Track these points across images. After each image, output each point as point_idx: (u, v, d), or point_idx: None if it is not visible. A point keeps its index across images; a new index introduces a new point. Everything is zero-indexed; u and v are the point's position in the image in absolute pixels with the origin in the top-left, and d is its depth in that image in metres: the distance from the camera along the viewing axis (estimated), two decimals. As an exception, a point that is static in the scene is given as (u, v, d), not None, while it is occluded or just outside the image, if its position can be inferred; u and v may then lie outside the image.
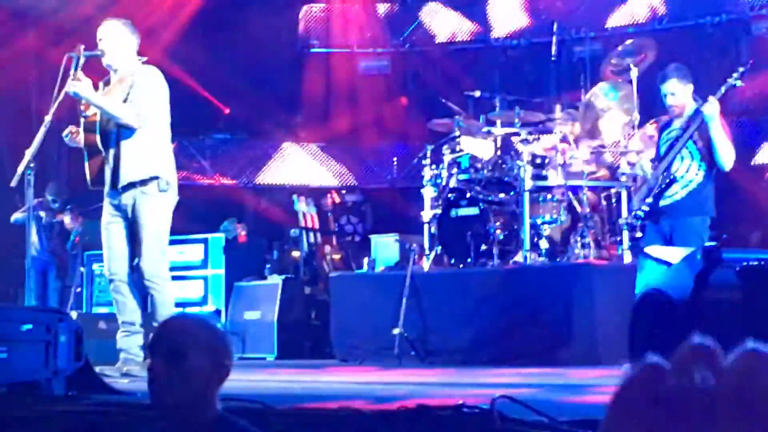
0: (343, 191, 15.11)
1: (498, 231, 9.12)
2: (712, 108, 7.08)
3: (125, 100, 6.89)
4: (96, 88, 6.98)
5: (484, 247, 9.14)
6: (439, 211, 9.59)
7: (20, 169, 6.64)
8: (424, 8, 15.70)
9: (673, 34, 13.12)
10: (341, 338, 9.69)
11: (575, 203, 9.40)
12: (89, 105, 6.90)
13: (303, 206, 12.92)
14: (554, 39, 11.05)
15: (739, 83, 7.23)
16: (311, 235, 12.91)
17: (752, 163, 12.48)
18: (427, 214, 9.79)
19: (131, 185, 6.88)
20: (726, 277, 2.91)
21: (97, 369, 5.57)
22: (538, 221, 9.24)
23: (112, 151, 6.92)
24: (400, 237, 11.00)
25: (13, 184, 6.72)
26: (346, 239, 14.13)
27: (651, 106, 9.25)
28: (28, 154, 6.64)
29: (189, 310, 11.10)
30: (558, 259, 9.17)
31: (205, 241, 11.89)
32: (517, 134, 9.69)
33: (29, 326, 4.68)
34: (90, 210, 11.57)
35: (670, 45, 10.74)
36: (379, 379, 7.20)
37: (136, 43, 7.12)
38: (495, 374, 7.27)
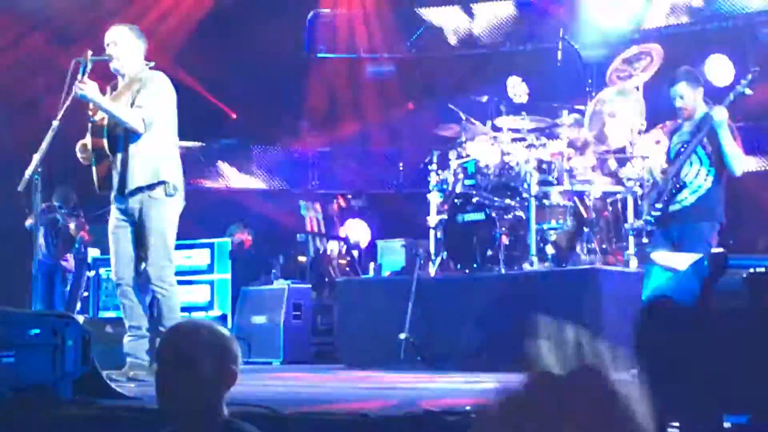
0: (349, 196, 15.11)
1: (504, 236, 9.11)
2: (720, 115, 7.08)
3: (132, 105, 6.90)
4: (103, 92, 6.99)
5: (490, 252, 9.13)
6: (445, 216, 9.58)
7: (27, 173, 6.64)
8: (430, 13, 15.71)
9: (680, 39, 13.10)
10: (347, 343, 9.68)
11: (581, 209, 9.39)
12: (97, 109, 6.91)
13: (309, 211, 12.93)
14: (560, 44, 11.04)
15: (747, 91, 7.22)
16: (317, 239, 12.93)
17: (758, 169, 12.48)
18: (433, 219, 9.80)
19: (138, 190, 6.89)
20: (732, 283, 2.90)
21: (104, 373, 5.57)
22: (545, 227, 9.23)
23: (119, 156, 6.93)
24: (406, 242, 11.00)
25: (21, 188, 6.71)
26: (352, 244, 14.13)
27: (657, 111, 9.24)
28: (36, 158, 6.65)
29: (195, 314, 11.12)
30: (564, 265, 9.16)
31: (211, 245, 11.90)
32: (523, 140, 9.68)
33: (36, 330, 4.69)
34: (96, 215, 11.60)
35: (676, 50, 10.71)
36: (385, 384, 7.20)
37: (143, 49, 7.14)
38: (501, 379, 7.25)
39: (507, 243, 9.13)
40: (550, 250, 9.24)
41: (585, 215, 9.30)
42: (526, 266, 9.01)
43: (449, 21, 15.60)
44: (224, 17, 15.08)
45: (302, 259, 12.83)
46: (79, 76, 6.76)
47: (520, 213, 9.26)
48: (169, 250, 7.01)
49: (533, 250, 8.98)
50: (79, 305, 12.15)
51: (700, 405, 2.86)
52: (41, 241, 11.85)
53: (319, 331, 11.34)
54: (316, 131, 16.11)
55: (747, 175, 7.32)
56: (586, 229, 9.18)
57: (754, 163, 12.42)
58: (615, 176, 9.46)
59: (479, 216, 9.28)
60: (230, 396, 3.17)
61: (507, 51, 14.95)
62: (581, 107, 9.93)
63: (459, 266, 9.46)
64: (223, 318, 11.34)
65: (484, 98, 10.34)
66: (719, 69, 10.59)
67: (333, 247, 13.27)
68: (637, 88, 9.21)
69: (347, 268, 12.79)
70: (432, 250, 9.76)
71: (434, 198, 9.86)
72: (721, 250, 5.24)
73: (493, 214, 9.19)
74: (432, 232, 9.79)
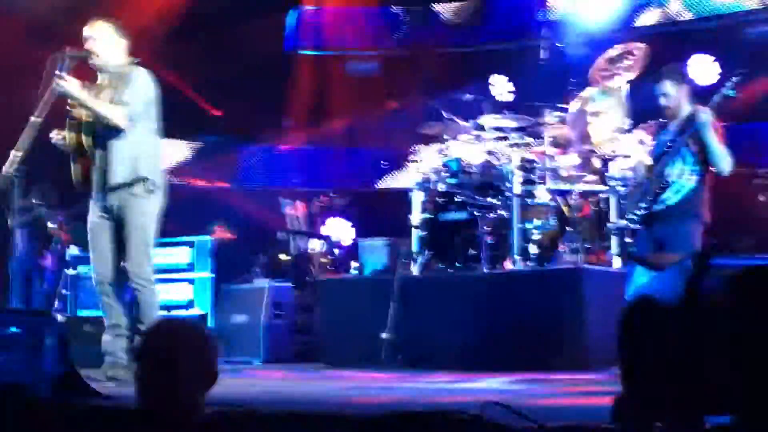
0: (332, 194, 15.08)
1: (487, 236, 9.10)
2: (704, 117, 7.09)
3: (114, 101, 6.85)
4: (84, 88, 6.94)
5: (473, 251, 9.13)
6: (428, 215, 9.56)
7: (6, 170, 6.59)
8: (414, 11, 15.69)
9: (665, 38, 13.12)
10: (328, 343, 9.65)
11: (564, 208, 9.38)
12: (76, 105, 6.86)
13: (290, 209, 12.89)
14: (544, 43, 11.05)
15: (732, 93, 7.21)
16: (299, 238, 12.89)
17: (741, 169, 12.49)
18: (415, 218, 9.77)
19: (118, 187, 6.84)
20: (716, 283, 2.89)
21: (83, 372, 5.53)
22: (527, 226, 9.22)
23: (99, 152, 6.88)
24: (388, 241, 10.97)
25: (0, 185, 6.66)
26: (334, 242, 14.09)
27: (641, 110, 9.24)
28: (14, 155, 6.59)
29: (175, 312, 11.07)
30: (547, 264, 9.15)
31: (192, 243, 11.84)
32: (506, 138, 9.67)
33: (14, 329, 4.65)
34: (72, 210, 11.54)
35: (661, 49, 10.72)
36: (366, 384, 7.17)
37: (124, 44, 7.08)
38: (483, 379, 7.25)
39: (490, 242, 9.12)
40: (533, 249, 9.23)
41: (568, 215, 9.29)
42: (509, 265, 9.00)
43: (433, 18, 15.59)
44: (206, 14, 15.02)
45: (284, 257, 12.78)
46: (57, 72, 6.69)
47: (503, 212, 9.24)
48: (149, 247, 6.97)
49: (516, 249, 8.97)
50: (57, 303, 12.07)
51: (683, 405, 2.85)
52: (19, 239, 11.78)
53: (300, 330, 11.30)
54: (299, 129, 16.08)
55: (730, 175, 7.32)
56: (569, 229, 9.18)
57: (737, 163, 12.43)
58: (598, 175, 9.46)
59: (462, 215, 9.28)
60: (210, 396, 3.14)
61: (490, 49, 14.93)
62: (565, 106, 9.93)
63: (442, 265, 9.44)
64: (203, 317, 11.29)
65: (468, 96, 10.33)
66: (702, 68, 10.59)
67: (315, 245, 13.24)
68: (621, 88, 9.21)
69: (329, 267, 12.76)
70: (414, 249, 9.74)
71: (417, 197, 9.83)
72: (704, 250, 5.23)
73: (476, 213, 9.18)
74: (415, 231, 9.77)
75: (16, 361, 4.67)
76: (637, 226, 7.60)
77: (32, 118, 6.67)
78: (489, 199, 9.37)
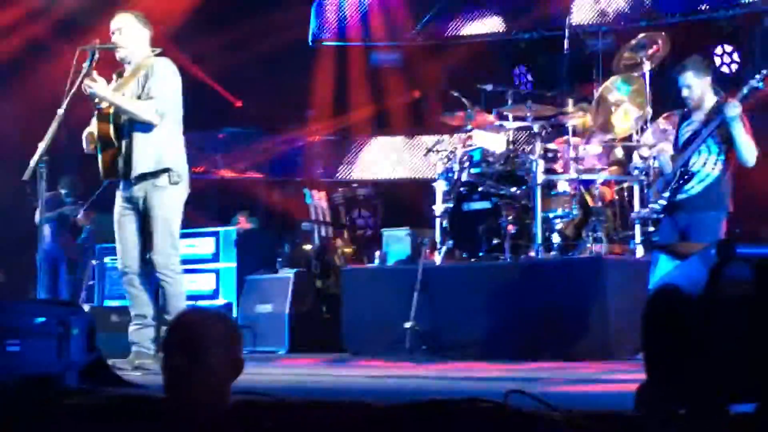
0: (355, 184, 15.08)
1: (510, 225, 9.10)
2: (734, 111, 7.06)
3: (140, 94, 6.89)
4: (109, 80, 6.98)
5: (495, 241, 9.13)
6: (450, 204, 9.58)
7: (33, 162, 6.63)
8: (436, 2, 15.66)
9: (686, 27, 13.06)
10: (352, 332, 9.68)
11: (587, 197, 9.37)
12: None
13: (315, 199, 12.91)
14: (567, 32, 11.02)
15: (761, 85, 7.18)
16: (323, 228, 12.91)
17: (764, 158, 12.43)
18: (438, 207, 9.78)
19: (143, 177, 6.88)
20: (740, 271, 2.90)
21: (110, 362, 5.57)
22: (551, 215, 9.22)
23: (125, 143, 6.92)
24: (411, 231, 10.99)
25: (26, 177, 6.70)
26: (358, 233, 14.10)
27: (663, 100, 9.22)
28: (41, 147, 6.64)
29: (200, 303, 11.12)
30: (570, 254, 9.15)
31: (216, 234, 11.90)
32: (529, 128, 9.67)
33: (42, 319, 4.68)
34: (96, 200, 11.59)
35: (682, 39, 10.68)
36: (390, 373, 7.20)
37: (149, 36, 7.12)
38: (507, 368, 7.27)
39: (513, 232, 9.12)
40: (556, 238, 9.24)
41: (591, 204, 9.29)
42: (532, 255, 9.00)
43: (456, 9, 15.56)
44: (229, 4, 15.05)
45: (307, 247, 12.81)
46: (87, 67, 6.75)
47: (525, 201, 9.25)
48: (175, 238, 7.00)
49: (539, 238, 8.97)
50: (84, 294, 12.16)
51: (707, 393, 2.85)
52: (46, 230, 11.86)
53: (324, 320, 11.34)
54: (322, 119, 16.09)
55: (754, 165, 7.30)
56: (592, 218, 9.17)
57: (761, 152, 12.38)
58: (621, 164, 9.44)
59: (485, 205, 9.28)
60: (236, 385, 3.17)
61: (513, 39, 14.89)
62: (587, 96, 9.91)
63: (465, 255, 9.46)
64: (228, 307, 11.35)
65: (489, 86, 10.32)
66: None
67: (339, 235, 13.26)
68: (643, 77, 9.18)
69: (353, 257, 12.78)
70: (438, 238, 9.76)
71: (440, 186, 9.85)
72: (728, 239, 5.21)
73: (499, 203, 9.18)
74: (438, 221, 9.79)
75: (44, 351, 4.69)
76: (661, 216, 7.60)
77: (59, 111, 6.72)
78: (512, 189, 9.38)
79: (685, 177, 7.30)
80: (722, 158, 7.28)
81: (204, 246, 11.84)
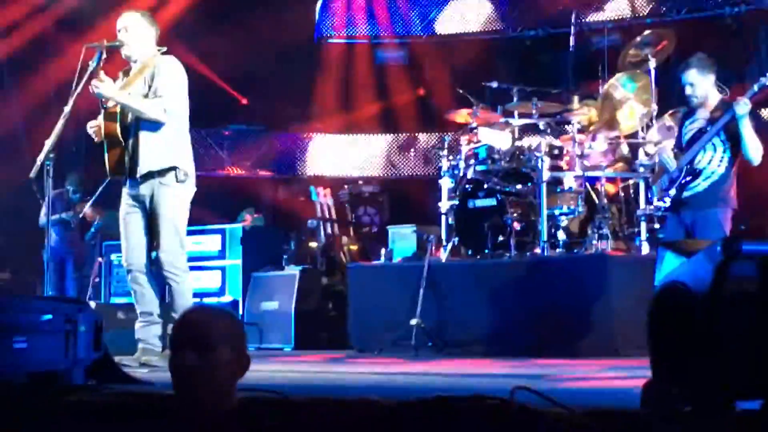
0: (360, 182, 15.10)
1: (515, 222, 9.11)
2: (744, 108, 7.05)
3: (147, 93, 6.90)
4: (115, 78, 7.00)
5: (501, 238, 9.14)
6: (456, 202, 9.58)
7: (39, 160, 6.64)
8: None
9: (692, 24, 13.06)
10: (358, 329, 9.69)
11: (593, 194, 9.38)
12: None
13: (320, 197, 12.93)
14: (572, 29, 11.02)
15: None
16: (328, 225, 12.93)
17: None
18: (444, 205, 9.79)
19: (150, 175, 6.89)
20: (745, 269, 2.90)
21: (116, 359, 5.58)
22: (556, 212, 9.23)
23: (131, 141, 6.93)
24: (417, 228, 10.99)
25: (32, 175, 6.71)
26: (364, 230, 14.12)
27: (669, 97, 9.22)
28: (47, 144, 6.65)
29: (206, 300, 11.14)
30: (575, 251, 9.16)
31: (222, 231, 11.91)
32: (535, 125, 9.67)
33: (49, 316, 4.69)
34: (105, 197, 11.60)
35: (688, 36, 10.67)
36: (396, 369, 7.20)
37: (155, 34, 7.13)
38: (512, 365, 7.27)
39: (518, 229, 9.12)
40: (561, 235, 9.24)
41: (596, 201, 9.29)
42: (538, 252, 9.01)
43: (461, 6, 15.56)
44: (235, 2, 15.06)
45: (313, 244, 12.82)
46: (94, 66, 6.76)
47: (531, 198, 9.25)
48: (181, 236, 7.01)
49: (544, 235, 8.97)
50: (90, 291, 12.18)
51: (713, 391, 2.86)
52: (65, 214, 11.91)
53: (329, 317, 11.35)
54: (327, 117, 16.09)
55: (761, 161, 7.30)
56: (597, 215, 9.17)
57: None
58: (626, 161, 9.44)
59: (490, 202, 9.29)
60: (242, 382, 3.17)
61: (519, 36, 14.89)
62: (593, 93, 9.91)
63: (470, 252, 9.46)
64: (234, 304, 11.36)
65: (495, 84, 10.32)
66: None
67: (344, 232, 13.27)
68: (649, 74, 9.18)
69: (358, 254, 12.80)
70: (443, 235, 9.76)
71: (445, 183, 9.85)
72: (734, 235, 5.21)
73: (505, 200, 9.19)
74: (443, 218, 9.80)
75: (51, 348, 4.70)
76: (666, 213, 7.60)
77: (65, 108, 6.73)
78: (517, 186, 9.39)
79: (692, 174, 7.30)
80: (728, 156, 7.27)
81: (210, 243, 11.86)
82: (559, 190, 9.33)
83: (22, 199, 10.16)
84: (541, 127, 9.48)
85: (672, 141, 7.99)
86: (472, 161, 9.67)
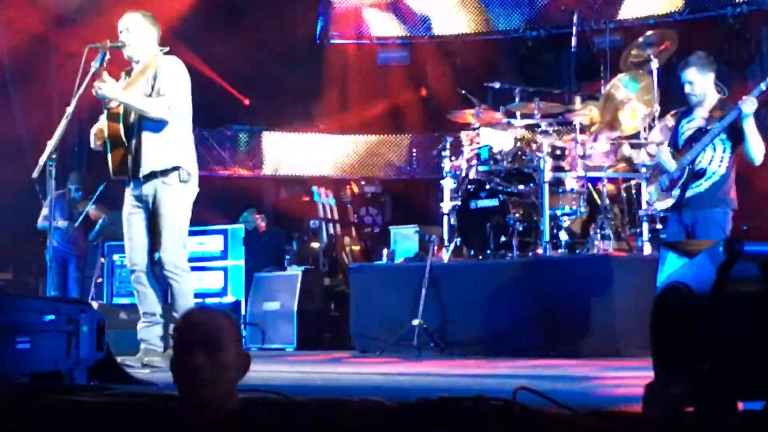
0: (363, 182, 15.10)
1: (517, 223, 9.11)
2: (751, 107, 7.04)
3: (150, 92, 6.90)
4: (117, 78, 7.00)
5: (503, 238, 9.14)
6: (458, 202, 9.59)
7: (42, 160, 6.64)
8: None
9: (694, 24, 13.06)
10: (360, 329, 9.69)
11: (595, 195, 9.38)
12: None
13: (323, 197, 12.93)
14: (574, 30, 11.02)
15: None
16: (331, 226, 12.93)
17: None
18: (446, 205, 9.79)
19: (152, 175, 6.89)
20: (748, 269, 2.90)
21: (118, 359, 5.58)
22: (558, 213, 9.23)
23: (134, 141, 6.94)
24: (419, 228, 11.00)
25: (35, 175, 6.72)
26: (366, 230, 14.13)
27: (671, 97, 9.21)
28: (50, 145, 6.65)
29: (209, 300, 11.15)
30: (578, 251, 9.16)
31: (224, 232, 11.92)
32: (537, 126, 9.67)
33: (51, 317, 4.69)
34: (104, 197, 11.61)
35: (690, 36, 10.67)
36: (398, 370, 7.21)
37: (157, 34, 7.14)
38: (514, 366, 7.27)
39: (520, 229, 9.13)
40: (563, 236, 9.24)
41: (599, 201, 9.29)
42: (540, 252, 9.01)
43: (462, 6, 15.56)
44: (237, 3, 15.07)
45: (315, 245, 12.83)
46: (95, 64, 6.76)
47: (533, 199, 9.25)
48: (183, 236, 7.02)
49: (546, 236, 8.97)
50: (93, 291, 12.18)
51: (716, 391, 2.86)
52: (62, 222, 11.90)
53: (332, 318, 11.36)
54: (329, 117, 16.10)
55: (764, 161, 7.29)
56: (599, 215, 9.17)
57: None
58: (628, 162, 9.44)
59: (492, 202, 9.29)
60: (244, 382, 3.18)
61: (521, 36, 14.89)
62: (595, 93, 9.92)
63: (472, 252, 9.46)
64: (236, 304, 11.37)
65: (497, 84, 10.33)
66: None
67: (347, 233, 13.28)
68: (651, 74, 9.18)
69: (360, 255, 12.81)
70: (445, 236, 9.77)
71: (448, 184, 9.86)
72: (736, 236, 5.22)
73: (507, 201, 9.19)
74: (445, 219, 9.80)
75: (53, 348, 4.70)
76: (668, 213, 7.59)
77: (68, 109, 6.74)
78: (519, 186, 9.39)
79: (697, 175, 7.29)
80: (729, 155, 7.26)
81: (212, 244, 11.87)
82: (561, 190, 9.33)
83: (25, 199, 10.17)
84: (543, 127, 9.48)
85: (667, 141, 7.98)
86: (474, 162, 9.67)
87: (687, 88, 7.41)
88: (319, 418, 3.35)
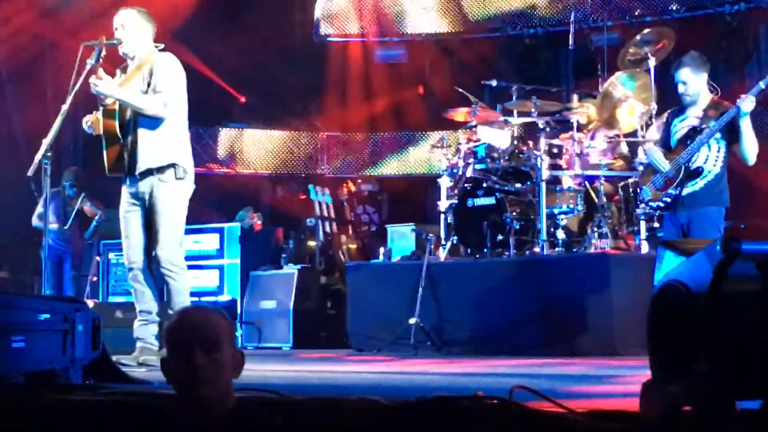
0: (359, 181, 15.09)
1: (514, 221, 9.10)
2: (749, 105, 7.04)
3: (146, 89, 6.89)
4: (113, 75, 6.99)
5: (500, 237, 9.13)
6: (455, 200, 9.57)
7: (37, 158, 6.63)
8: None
9: (691, 22, 13.05)
10: (357, 328, 9.69)
11: (592, 193, 9.37)
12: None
13: (319, 196, 12.92)
14: (572, 28, 11.01)
15: None
16: (327, 224, 12.92)
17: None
18: (443, 203, 9.78)
19: (148, 172, 6.89)
20: (745, 268, 2.89)
21: (114, 358, 5.57)
22: (555, 211, 9.23)
23: (130, 139, 6.93)
24: (416, 227, 10.99)
25: (30, 173, 6.71)
26: (362, 229, 14.12)
27: (668, 95, 9.20)
28: (45, 143, 6.64)
29: (205, 299, 11.13)
30: (575, 249, 9.15)
31: (221, 230, 11.91)
32: (534, 124, 9.66)
33: (47, 315, 4.68)
34: (99, 195, 11.59)
35: (688, 34, 10.66)
36: (395, 369, 7.20)
37: (152, 31, 7.13)
38: (511, 364, 7.26)
39: (517, 227, 9.12)
40: (560, 234, 9.24)
41: (596, 200, 9.28)
42: (537, 251, 9.00)
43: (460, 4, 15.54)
44: (234, 0, 15.05)
45: (312, 243, 12.82)
46: (90, 61, 6.75)
47: (530, 197, 9.24)
48: (180, 233, 7.01)
49: (544, 234, 8.97)
50: (88, 290, 12.17)
51: (713, 390, 2.85)
52: (53, 225, 11.87)
53: (328, 316, 11.35)
54: (326, 115, 16.08)
55: (759, 160, 7.29)
56: (596, 214, 9.17)
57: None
58: (626, 160, 9.43)
59: (490, 200, 9.28)
60: (240, 381, 3.16)
61: (518, 34, 14.88)
62: (592, 91, 9.90)
63: (469, 251, 9.45)
64: (232, 303, 11.35)
65: (494, 82, 10.31)
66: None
67: (343, 231, 13.27)
68: (649, 72, 9.17)
69: (357, 253, 12.80)
70: (442, 234, 9.76)
71: (444, 182, 9.85)
72: (733, 234, 5.22)
73: (504, 199, 9.18)
74: (442, 217, 9.79)
75: (49, 347, 4.69)
76: (663, 212, 7.59)
77: (63, 106, 6.72)
78: (516, 185, 9.38)
79: (694, 174, 7.29)
80: (724, 154, 7.26)
81: (208, 242, 11.86)
82: (558, 188, 9.33)
83: (20, 197, 10.16)
84: (541, 125, 9.47)
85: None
86: (471, 160, 9.66)
87: (680, 88, 7.42)
88: (316, 418, 3.33)
